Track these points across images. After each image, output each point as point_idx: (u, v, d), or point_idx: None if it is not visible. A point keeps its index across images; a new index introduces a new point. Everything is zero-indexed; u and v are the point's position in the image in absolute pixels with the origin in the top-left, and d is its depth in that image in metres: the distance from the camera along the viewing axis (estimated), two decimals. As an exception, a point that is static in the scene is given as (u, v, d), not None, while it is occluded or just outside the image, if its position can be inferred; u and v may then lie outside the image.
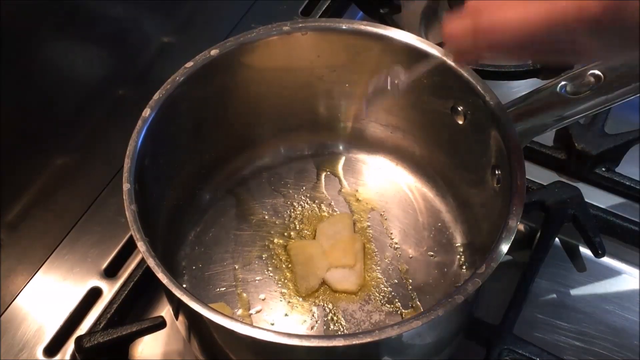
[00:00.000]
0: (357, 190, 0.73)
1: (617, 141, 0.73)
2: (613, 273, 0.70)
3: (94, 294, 0.69)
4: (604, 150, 0.73)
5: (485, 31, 0.42)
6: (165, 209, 0.65)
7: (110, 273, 0.70)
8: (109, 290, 0.69)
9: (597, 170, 0.74)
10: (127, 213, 0.54)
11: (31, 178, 0.69)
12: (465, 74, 0.61)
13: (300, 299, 0.66)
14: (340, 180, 0.74)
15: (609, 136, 0.73)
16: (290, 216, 0.71)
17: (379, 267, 0.68)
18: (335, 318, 0.65)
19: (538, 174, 0.75)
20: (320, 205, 0.72)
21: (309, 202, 0.72)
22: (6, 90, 0.62)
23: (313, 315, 0.65)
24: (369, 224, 0.70)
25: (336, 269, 0.66)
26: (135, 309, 0.68)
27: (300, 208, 0.72)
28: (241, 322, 0.49)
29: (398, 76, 0.55)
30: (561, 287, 0.70)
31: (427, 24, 0.89)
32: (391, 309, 0.65)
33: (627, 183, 0.74)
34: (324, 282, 0.66)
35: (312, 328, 0.64)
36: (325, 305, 0.65)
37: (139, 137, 0.58)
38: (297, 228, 0.70)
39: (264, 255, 0.68)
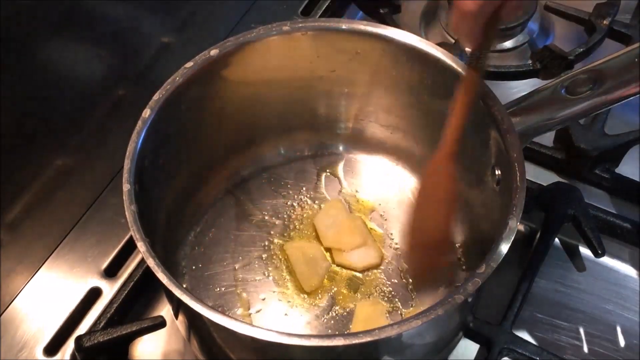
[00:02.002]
0: (357, 191, 0.73)
1: (617, 141, 0.73)
2: (613, 273, 0.70)
3: (94, 294, 0.69)
4: (604, 150, 0.73)
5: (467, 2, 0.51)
6: (165, 209, 0.65)
7: (110, 273, 0.70)
8: (109, 290, 0.69)
9: (597, 170, 0.74)
10: (127, 213, 0.54)
11: (31, 178, 0.69)
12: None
13: (300, 299, 0.66)
14: (340, 181, 0.74)
15: (609, 136, 0.73)
16: (290, 217, 0.71)
17: (379, 267, 0.68)
18: (335, 318, 0.65)
19: (538, 174, 0.75)
20: (320, 205, 0.72)
21: (308, 202, 0.72)
22: (6, 90, 0.62)
23: (313, 315, 0.65)
24: (369, 224, 0.70)
25: (352, 251, 0.67)
26: (135, 309, 0.68)
27: (300, 209, 0.72)
28: (241, 322, 0.49)
29: None
30: (561, 287, 0.70)
31: (427, 24, 0.89)
32: (391, 309, 0.65)
33: (627, 183, 0.74)
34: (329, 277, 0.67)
35: (312, 328, 0.64)
36: (325, 304, 0.65)
37: (139, 137, 0.58)
38: (297, 228, 0.70)
39: (264, 256, 0.68)
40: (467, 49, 0.57)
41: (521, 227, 0.72)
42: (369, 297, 0.66)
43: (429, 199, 0.63)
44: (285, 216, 0.71)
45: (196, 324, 0.57)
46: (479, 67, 0.58)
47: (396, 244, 0.69)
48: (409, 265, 0.67)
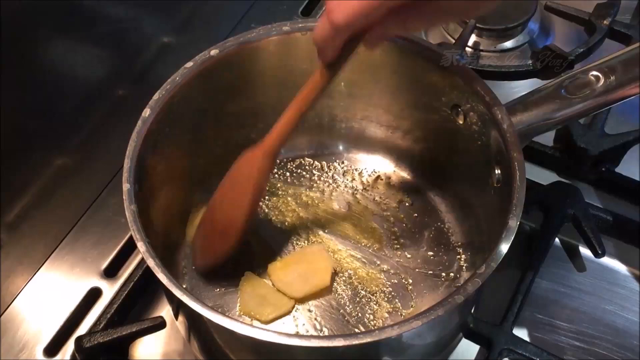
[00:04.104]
0: (357, 191, 0.73)
1: (617, 141, 0.73)
2: (613, 273, 0.70)
3: (94, 294, 0.69)
4: (604, 150, 0.73)
5: (338, 13, 0.49)
6: (165, 208, 0.65)
7: (110, 273, 0.70)
8: (109, 290, 0.69)
9: (597, 170, 0.74)
10: (127, 213, 0.54)
11: (31, 178, 0.69)
12: (465, 74, 0.61)
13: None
14: (340, 181, 0.74)
15: (609, 136, 0.73)
16: (289, 217, 0.71)
17: (379, 267, 0.68)
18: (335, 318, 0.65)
19: (538, 174, 0.75)
20: (319, 205, 0.72)
21: (308, 202, 0.72)
22: (6, 91, 0.62)
23: (313, 316, 0.65)
24: (369, 224, 0.70)
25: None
26: (135, 309, 0.68)
27: (299, 209, 0.72)
28: (241, 322, 0.49)
29: None
30: (561, 287, 0.70)
31: (427, 24, 0.89)
32: (391, 309, 0.65)
33: (627, 183, 0.74)
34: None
35: (312, 328, 0.64)
36: (325, 305, 0.65)
37: (139, 137, 0.58)
38: (296, 228, 0.70)
39: (263, 256, 0.68)
40: (321, 57, 0.55)
41: (521, 227, 0.72)
42: (369, 297, 0.66)
43: (235, 187, 0.63)
44: (284, 216, 0.71)
45: (196, 325, 0.57)
46: (332, 73, 0.57)
47: (396, 243, 0.69)
48: (195, 245, 0.66)
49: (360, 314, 0.64)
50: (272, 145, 0.61)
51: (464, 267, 0.67)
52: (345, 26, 0.49)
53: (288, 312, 0.65)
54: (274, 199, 0.72)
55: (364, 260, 0.68)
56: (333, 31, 0.50)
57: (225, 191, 0.64)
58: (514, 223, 0.53)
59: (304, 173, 0.74)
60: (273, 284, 0.66)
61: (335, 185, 0.73)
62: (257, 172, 0.62)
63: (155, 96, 0.61)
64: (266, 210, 0.71)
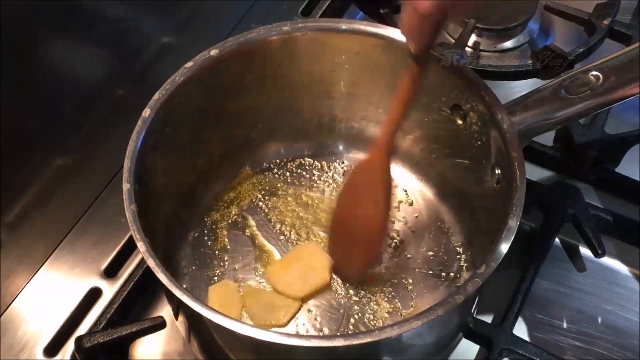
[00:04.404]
0: (357, 190, 0.73)
1: (617, 141, 0.73)
2: (613, 273, 0.70)
3: (94, 294, 0.69)
4: (604, 150, 0.73)
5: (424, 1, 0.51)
6: (165, 209, 0.65)
7: (110, 273, 0.70)
8: (109, 290, 0.69)
9: (597, 170, 0.74)
10: (127, 213, 0.54)
11: (31, 178, 0.69)
12: (465, 74, 0.61)
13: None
14: (340, 181, 0.74)
15: (609, 136, 0.73)
16: (289, 217, 0.71)
17: (379, 267, 0.67)
18: (334, 318, 0.64)
19: (538, 174, 0.75)
20: (319, 205, 0.72)
21: (308, 202, 0.72)
22: (6, 91, 0.62)
23: (313, 316, 0.65)
24: (369, 224, 0.71)
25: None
26: (135, 309, 0.68)
27: (299, 209, 0.72)
28: (241, 322, 0.49)
29: None
30: (561, 287, 0.70)
31: (427, 24, 0.89)
32: (391, 309, 0.65)
33: (627, 183, 0.74)
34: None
35: (312, 328, 0.64)
36: (325, 305, 0.65)
37: (139, 137, 0.59)
38: (296, 228, 0.70)
39: (263, 256, 0.68)
40: (414, 47, 0.57)
41: (521, 227, 0.72)
42: (369, 297, 0.66)
43: (363, 195, 0.64)
44: (284, 216, 0.71)
45: (196, 325, 0.57)
46: (424, 63, 0.58)
47: (396, 243, 0.69)
48: (332, 257, 0.67)
49: (360, 314, 0.65)
50: (385, 142, 0.62)
51: (464, 267, 0.67)
52: (433, 11, 0.52)
53: (299, 308, 0.65)
54: (274, 199, 0.72)
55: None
56: (422, 19, 0.52)
57: (354, 203, 0.65)
58: (514, 223, 0.53)
59: (304, 173, 0.74)
60: (273, 287, 0.66)
61: (335, 185, 0.73)
62: (381, 172, 0.63)
63: (155, 96, 0.61)
64: (266, 210, 0.71)
